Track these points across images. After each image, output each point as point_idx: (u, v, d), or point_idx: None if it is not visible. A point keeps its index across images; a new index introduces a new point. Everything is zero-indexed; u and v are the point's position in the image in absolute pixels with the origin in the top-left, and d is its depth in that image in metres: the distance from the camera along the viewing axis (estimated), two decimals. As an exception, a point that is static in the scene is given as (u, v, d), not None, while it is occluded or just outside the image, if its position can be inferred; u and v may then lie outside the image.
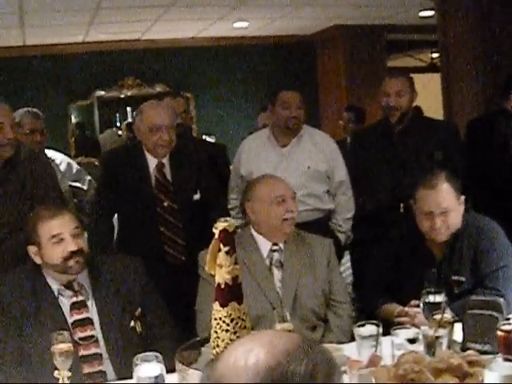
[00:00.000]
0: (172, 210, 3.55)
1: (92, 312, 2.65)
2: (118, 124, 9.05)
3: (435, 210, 2.87)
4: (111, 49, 8.09)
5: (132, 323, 2.68)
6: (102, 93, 8.44)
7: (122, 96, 8.54)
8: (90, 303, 2.66)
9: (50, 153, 4.33)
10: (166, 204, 3.55)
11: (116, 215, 3.83)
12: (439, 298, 2.52)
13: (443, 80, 6.55)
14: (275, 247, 3.01)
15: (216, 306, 2.09)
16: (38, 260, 2.65)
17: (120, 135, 8.75)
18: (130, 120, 8.36)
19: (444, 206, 2.88)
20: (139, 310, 2.71)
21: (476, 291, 2.81)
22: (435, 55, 9.98)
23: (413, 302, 2.76)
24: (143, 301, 2.75)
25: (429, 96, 7.79)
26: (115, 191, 3.61)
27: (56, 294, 2.64)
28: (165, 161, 3.60)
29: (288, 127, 3.94)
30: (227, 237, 2.06)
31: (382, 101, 4.04)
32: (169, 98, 4.60)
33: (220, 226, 2.06)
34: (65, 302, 2.64)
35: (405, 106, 3.98)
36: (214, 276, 2.11)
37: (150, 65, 8.41)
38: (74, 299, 2.64)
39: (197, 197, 3.64)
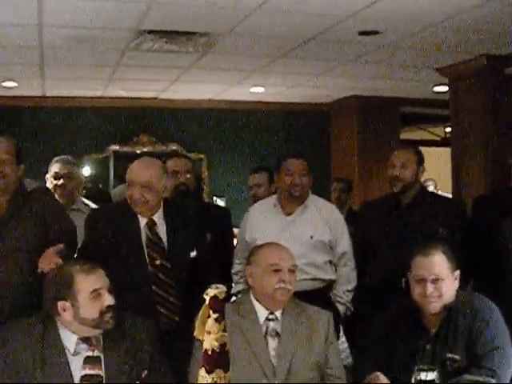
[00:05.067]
0: (165, 269, 3.47)
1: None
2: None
3: (427, 276, 2.91)
4: (128, 105, 8.21)
5: None
6: (117, 148, 8.51)
7: (138, 152, 8.58)
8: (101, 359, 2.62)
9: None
10: (158, 262, 3.46)
11: None
12: (431, 376, 2.49)
13: (453, 156, 6.60)
14: (271, 316, 2.98)
15: (202, 371, 2.07)
16: (68, 316, 2.59)
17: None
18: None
19: (435, 271, 2.92)
20: (145, 372, 2.65)
21: (471, 371, 2.78)
22: (449, 130, 10.05)
23: None
24: (151, 364, 2.69)
25: (442, 170, 7.83)
26: (99, 251, 3.39)
27: (71, 346, 2.59)
28: (156, 218, 3.52)
29: (291, 194, 3.95)
30: (217, 303, 2.06)
31: (388, 171, 4.11)
32: (175, 158, 4.63)
33: (211, 292, 2.06)
34: (75, 357, 2.58)
35: (408, 178, 4.02)
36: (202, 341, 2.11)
37: (166, 124, 8.52)
38: (90, 353, 2.60)
39: (193, 254, 3.58)
